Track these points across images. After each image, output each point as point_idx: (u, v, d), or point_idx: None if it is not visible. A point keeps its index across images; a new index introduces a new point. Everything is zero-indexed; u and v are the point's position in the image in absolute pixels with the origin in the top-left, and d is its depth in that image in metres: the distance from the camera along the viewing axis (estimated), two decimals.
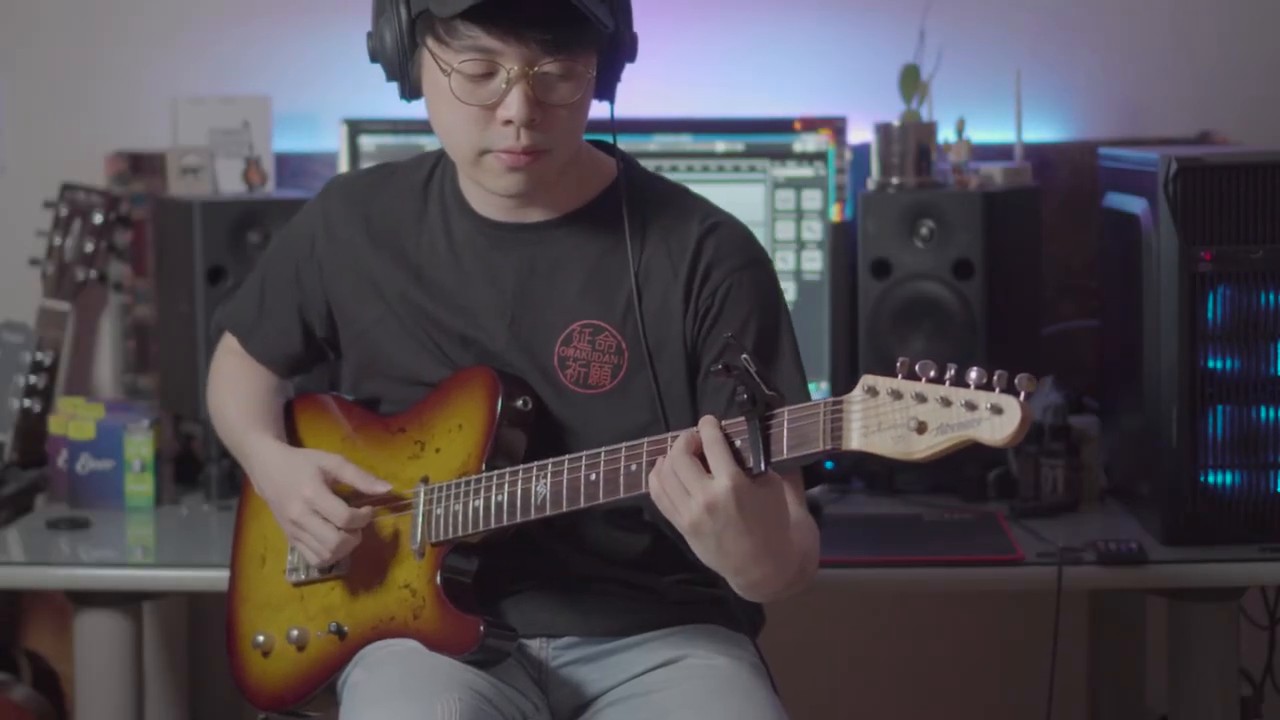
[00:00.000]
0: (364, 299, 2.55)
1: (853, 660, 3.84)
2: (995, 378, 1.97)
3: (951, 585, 3.23)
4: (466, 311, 2.50)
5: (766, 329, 2.46)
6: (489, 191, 2.44)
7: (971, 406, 1.97)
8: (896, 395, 2.02)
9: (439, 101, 2.40)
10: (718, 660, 2.49)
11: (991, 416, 1.96)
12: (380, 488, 2.48)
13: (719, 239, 2.47)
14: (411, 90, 2.44)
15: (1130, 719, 3.61)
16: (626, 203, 2.47)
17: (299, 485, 2.48)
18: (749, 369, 2.12)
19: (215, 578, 2.89)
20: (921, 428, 2.00)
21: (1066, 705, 3.58)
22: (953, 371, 2.00)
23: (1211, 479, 3.06)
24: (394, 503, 2.49)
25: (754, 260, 2.49)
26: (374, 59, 2.46)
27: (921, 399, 2.00)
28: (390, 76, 2.45)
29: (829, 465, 3.44)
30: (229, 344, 2.73)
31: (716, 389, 2.43)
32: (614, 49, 2.42)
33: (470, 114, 2.36)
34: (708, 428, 2.17)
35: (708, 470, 2.16)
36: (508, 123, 2.35)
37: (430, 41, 2.37)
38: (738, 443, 2.15)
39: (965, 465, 3.35)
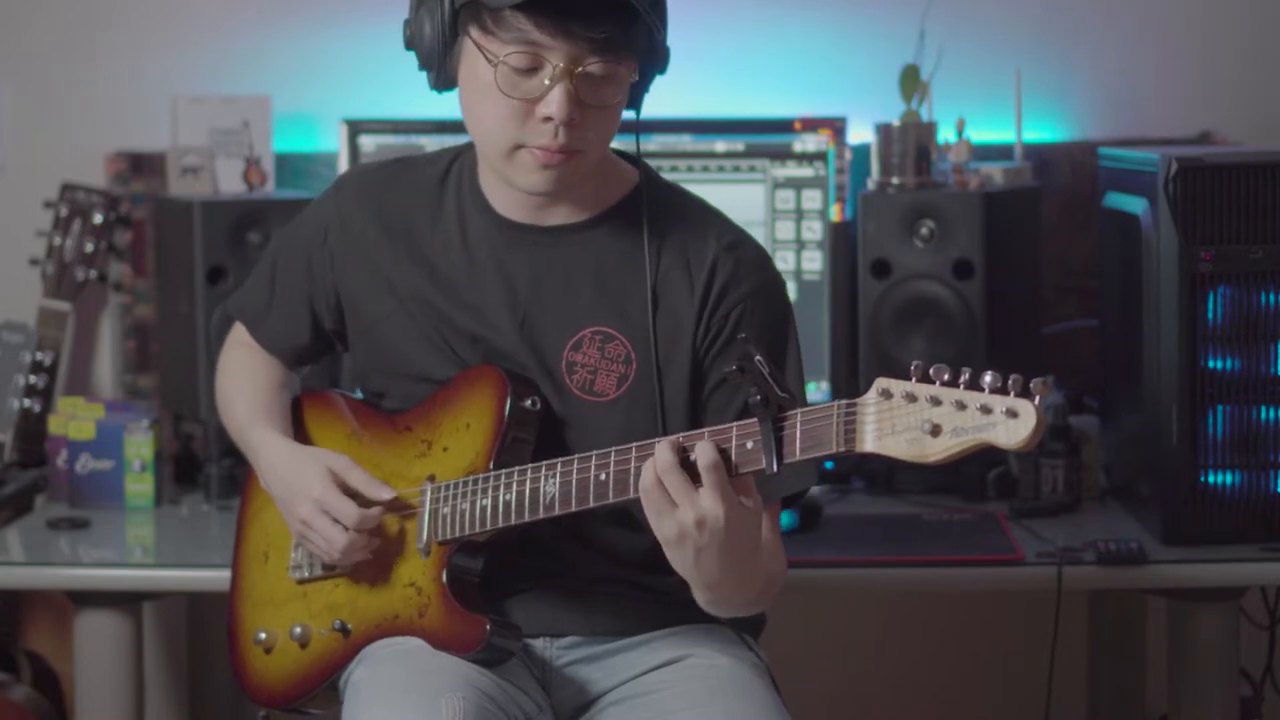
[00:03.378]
0: (375, 293, 2.55)
1: (853, 660, 3.84)
2: (1010, 382, 1.98)
3: (951, 585, 3.23)
4: (478, 309, 2.49)
5: (774, 352, 2.45)
6: (517, 188, 2.44)
7: (987, 410, 1.98)
8: (911, 398, 2.03)
9: (477, 93, 2.39)
10: (720, 660, 2.49)
11: (1007, 420, 1.97)
12: (385, 494, 2.48)
13: (736, 260, 2.46)
14: (445, 81, 2.44)
15: (1130, 719, 3.61)
16: (646, 212, 2.48)
17: (308, 485, 2.48)
18: (762, 370, 2.12)
19: (215, 578, 2.89)
20: (936, 430, 2.00)
21: (1066, 705, 3.59)
22: (967, 375, 2.00)
23: (1211, 479, 3.06)
24: (400, 504, 2.49)
25: (767, 285, 2.48)
26: (409, 46, 2.45)
27: (936, 402, 2.01)
28: (424, 65, 2.44)
29: (828, 465, 3.44)
30: (238, 335, 2.72)
31: (721, 407, 2.44)
32: (650, 59, 2.42)
33: (510, 107, 2.36)
34: (706, 452, 2.17)
35: (695, 481, 2.18)
36: (547, 120, 2.35)
37: (475, 32, 2.36)
38: (749, 444, 2.16)
39: (965, 465, 3.35)
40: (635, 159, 2.53)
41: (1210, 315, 3.04)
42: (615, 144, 2.50)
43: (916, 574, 3.05)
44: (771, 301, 2.48)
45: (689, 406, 2.45)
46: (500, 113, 2.37)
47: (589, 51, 2.33)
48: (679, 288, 2.46)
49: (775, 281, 2.50)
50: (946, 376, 2.01)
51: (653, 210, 2.48)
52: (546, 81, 2.34)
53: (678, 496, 2.18)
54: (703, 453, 2.17)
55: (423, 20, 2.41)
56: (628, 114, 2.45)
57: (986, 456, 3.30)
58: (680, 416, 2.44)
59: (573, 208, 2.48)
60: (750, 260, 2.48)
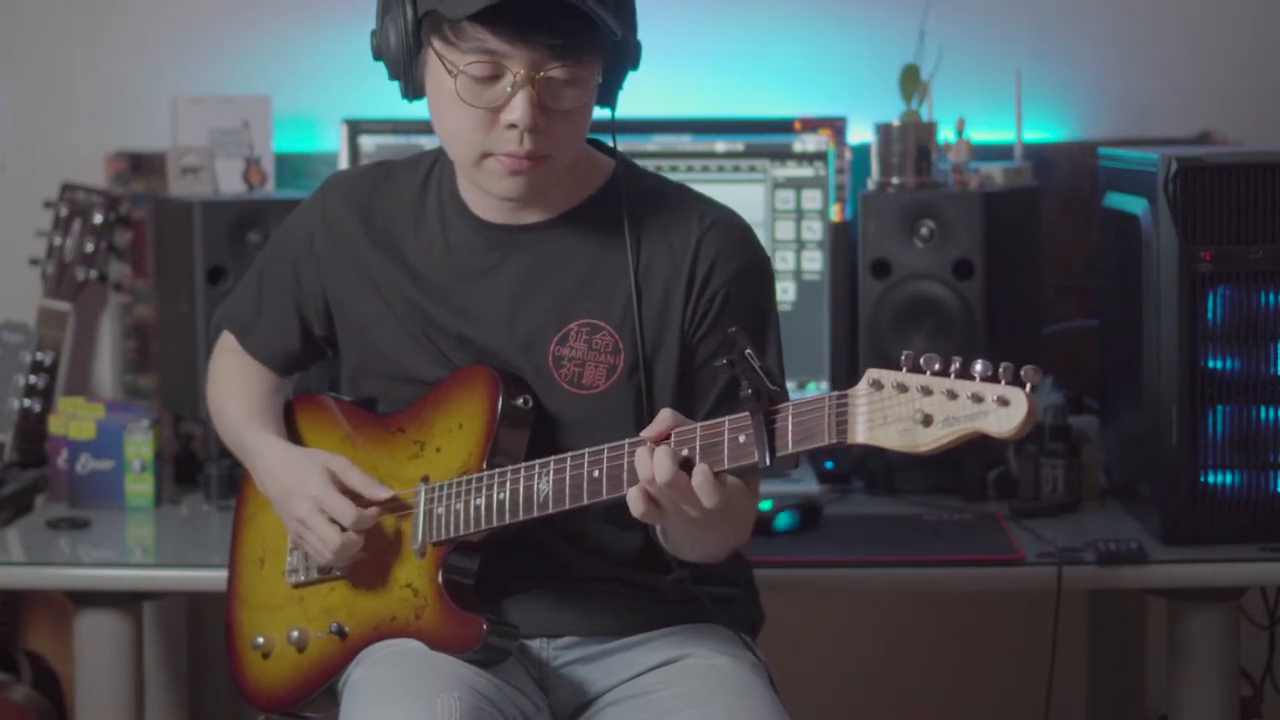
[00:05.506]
0: (362, 297, 2.55)
1: (853, 660, 3.84)
2: (1001, 369, 1.98)
3: (951, 585, 3.23)
4: (464, 312, 2.49)
5: (756, 330, 2.45)
6: (490, 194, 2.44)
7: (978, 399, 1.97)
8: (902, 388, 2.02)
9: (442, 102, 2.39)
10: (718, 660, 2.49)
11: (998, 408, 1.97)
12: (383, 494, 2.48)
13: (719, 238, 2.46)
14: (414, 90, 2.44)
15: (1130, 719, 3.61)
16: (625, 199, 2.47)
17: (306, 484, 2.48)
18: (752, 364, 2.12)
19: (215, 578, 2.88)
20: (928, 420, 2.00)
21: (1066, 705, 3.58)
22: (957, 364, 2.00)
23: (1211, 479, 3.06)
24: (395, 505, 2.49)
25: (753, 262, 2.49)
26: (377, 57, 2.46)
27: (927, 392, 2.00)
28: (393, 75, 2.45)
29: (828, 465, 3.44)
30: (227, 342, 2.73)
31: (705, 388, 2.45)
32: (619, 56, 2.42)
33: (474, 116, 2.36)
34: (702, 479, 2.19)
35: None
36: (511, 126, 2.35)
37: (436, 42, 2.37)
38: (741, 438, 2.16)
39: (965, 465, 3.35)
40: (609, 148, 2.52)
41: (1210, 315, 3.04)
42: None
43: (916, 574, 3.04)
44: (758, 277, 2.49)
45: (678, 391, 2.45)
46: (465, 122, 2.37)
47: (549, 57, 2.33)
48: (664, 271, 2.45)
49: (759, 257, 2.51)
50: (937, 366, 2.01)
51: (631, 197, 2.48)
52: (508, 89, 2.34)
53: (684, 504, 2.20)
54: (699, 481, 2.19)
55: (388, 31, 2.42)
56: (603, 112, 2.45)
57: (986, 456, 3.35)
58: (668, 401, 2.43)
59: (551, 203, 2.48)
60: (733, 237, 2.48)
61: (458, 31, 2.33)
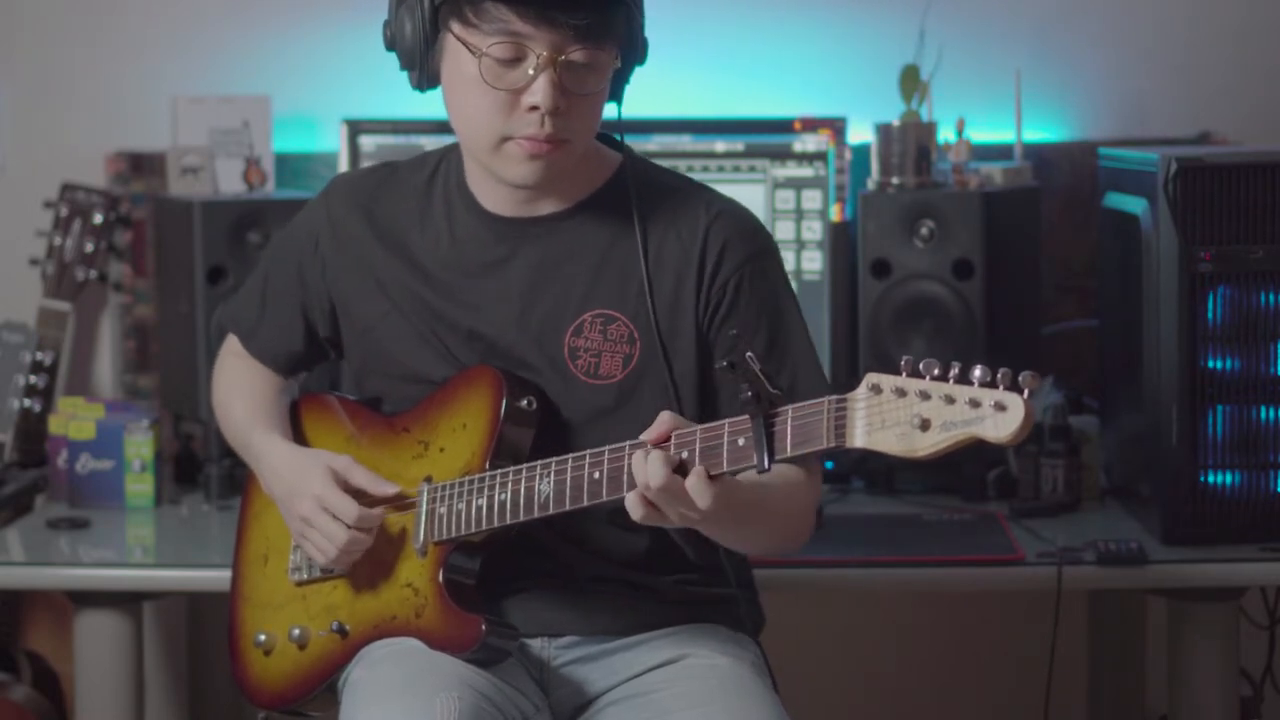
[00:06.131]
0: (369, 297, 2.55)
1: (853, 660, 3.84)
2: (999, 375, 1.98)
3: (951, 585, 3.23)
4: (474, 307, 2.50)
5: (775, 317, 2.46)
6: (505, 181, 2.44)
7: (975, 404, 1.98)
8: (900, 393, 2.03)
9: (461, 87, 2.40)
10: (719, 660, 2.49)
11: (995, 414, 1.97)
12: (388, 489, 2.48)
13: (726, 227, 2.47)
14: (428, 79, 2.44)
15: (1130, 719, 3.61)
16: (634, 190, 2.48)
17: (309, 483, 2.48)
18: (753, 366, 2.12)
19: (215, 578, 2.89)
20: (925, 425, 2.00)
21: (1066, 705, 3.58)
22: (956, 369, 2.00)
23: (1211, 479, 3.06)
24: (399, 503, 2.49)
25: (762, 250, 2.49)
26: (390, 47, 2.46)
27: (925, 396, 2.01)
28: (405, 65, 2.45)
29: (828, 465, 3.44)
30: (231, 345, 2.73)
31: (730, 390, 2.44)
32: (630, 49, 2.43)
33: (495, 99, 2.36)
34: (696, 481, 2.19)
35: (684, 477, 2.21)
36: (533, 109, 2.36)
37: (456, 25, 2.37)
38: (741, 441, 2.16)
39: (965, 465, 3.35)
40: (620, 143, 2.53)
41: (1210, 315, 3.04)
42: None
43: (916, 574, 3.05)
44: (767, 264, 2.49)
45: (698, 379, 2.46)
46: (486, 105, 2.37)
47: (571, 39, 2.34)
48: (675, 262, 2.46)
49: (768, 245, 2.52)
50: (936, 371, 2.01)
51: (640, 188, 2.48)
52: (530, 71, 2.35)
53: (680, 503, 2.20)
54: (695, 480, 2.19)
55: (403, 19, 2.42)
56: (609, 108, 2.45)
57: (986, 456, 3.35)
58: (691, 390, 2.45)
59: (560, 195, 2.49)
60: (740, 226, 2.49)
61: (480, 13, 2.34)
